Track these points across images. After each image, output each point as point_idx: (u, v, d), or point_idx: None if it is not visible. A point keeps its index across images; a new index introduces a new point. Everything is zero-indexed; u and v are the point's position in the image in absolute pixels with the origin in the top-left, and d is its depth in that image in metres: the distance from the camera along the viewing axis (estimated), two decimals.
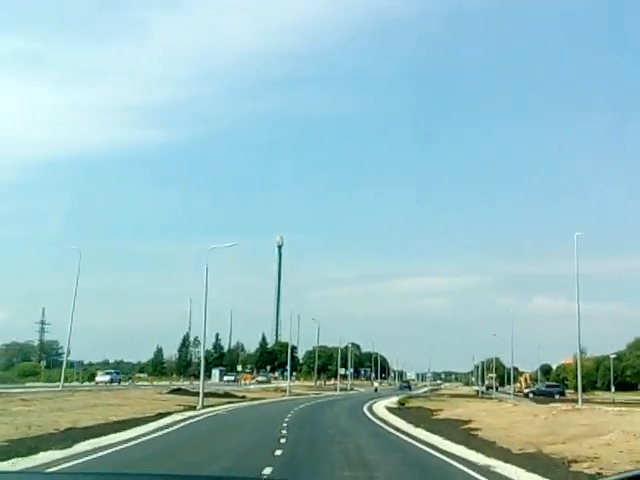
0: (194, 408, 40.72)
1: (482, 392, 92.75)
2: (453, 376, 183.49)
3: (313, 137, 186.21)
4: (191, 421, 30.44)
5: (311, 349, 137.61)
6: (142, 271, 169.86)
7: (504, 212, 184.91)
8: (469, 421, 32.18)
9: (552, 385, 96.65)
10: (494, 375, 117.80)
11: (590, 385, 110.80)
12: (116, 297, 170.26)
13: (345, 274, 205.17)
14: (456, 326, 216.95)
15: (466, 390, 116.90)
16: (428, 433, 26.44)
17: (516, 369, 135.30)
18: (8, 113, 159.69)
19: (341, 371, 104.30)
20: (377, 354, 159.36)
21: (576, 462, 17.43)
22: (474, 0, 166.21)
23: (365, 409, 44.65)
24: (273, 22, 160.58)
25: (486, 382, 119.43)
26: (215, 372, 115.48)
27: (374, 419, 34.86)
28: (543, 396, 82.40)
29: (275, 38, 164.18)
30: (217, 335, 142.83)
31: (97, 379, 69.69)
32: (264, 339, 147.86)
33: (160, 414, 33.28)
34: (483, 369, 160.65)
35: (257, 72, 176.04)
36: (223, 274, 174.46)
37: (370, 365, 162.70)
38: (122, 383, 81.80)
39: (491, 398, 78.13)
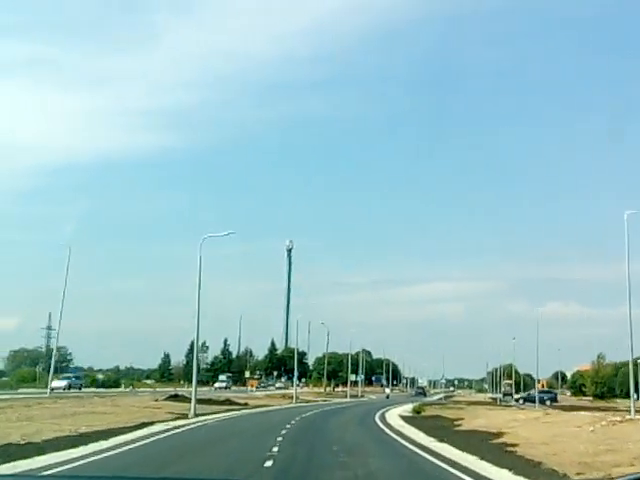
0: (186, 416, 35.91)
1: (500, 399, 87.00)
2: (466, 383, 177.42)
3: (323, 139, 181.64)
4: (171, 433, 25.21)
5: (321, 355, 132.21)
6: (153, 275, 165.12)
7: (517, 217, 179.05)
8: (500, 434, 26.75)
9: (544, 391, 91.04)
10: (511, 382, 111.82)
11: (610, 392, 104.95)
12: (127, 302, 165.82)
13: (356, 280, 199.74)
14: (468, 332, 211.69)
15: (480, 397, 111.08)
16: (456, 450, 21.09)
17: (529, 376, 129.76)
18: (23, 118, 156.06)
19: (352, 377, 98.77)
20: (389, 360, 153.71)
21: None
22: (480, 3, 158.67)
23: (377, 418, 39.24)
24: (284, 26, 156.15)
25: (502, 389, 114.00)
26: (222, 378, 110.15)
27: (388, 431, 29.43)
28: (534, 402, 76.70)
29: (286, 42, 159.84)
30: (225, 341, 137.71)
31: (52, 385, 59.28)
32: (273, 345, 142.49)
33: (143, 423, 28.69)
34: (499, 375, 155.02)
35: (268, 76, 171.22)
36: (232, 280, 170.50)
37: (381, 372, 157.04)
38: (93, 389, 73.85)
39: (509, 406, 72.47)
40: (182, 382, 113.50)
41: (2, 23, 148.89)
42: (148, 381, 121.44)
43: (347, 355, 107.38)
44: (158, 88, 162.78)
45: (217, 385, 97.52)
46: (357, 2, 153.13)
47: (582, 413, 41.59)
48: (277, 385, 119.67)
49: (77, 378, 73.10)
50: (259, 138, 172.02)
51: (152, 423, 29.03)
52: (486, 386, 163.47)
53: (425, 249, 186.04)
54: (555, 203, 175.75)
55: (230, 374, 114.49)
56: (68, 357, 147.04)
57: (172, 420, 33.25)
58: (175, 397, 53.73)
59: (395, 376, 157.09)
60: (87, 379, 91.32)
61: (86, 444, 20.07)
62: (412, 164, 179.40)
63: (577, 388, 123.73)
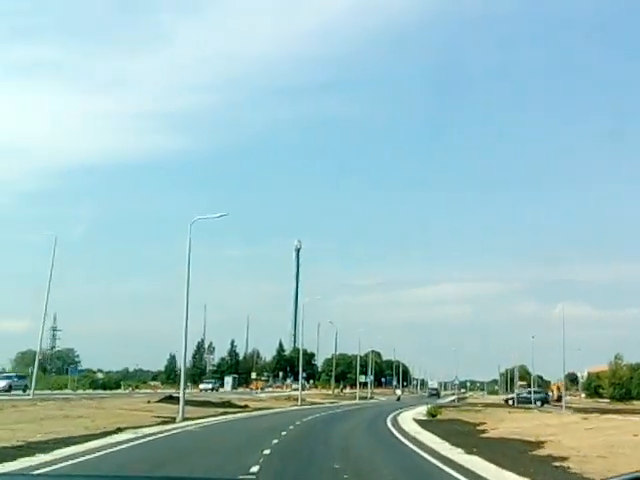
0: (173, 420, 31.17)
1: (516, 401, 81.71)
2: (477, 385, 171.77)
3: (331, 141, 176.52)
4: (134, 444, 20.21)
5: (330, 357, 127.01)
6: (163, 277, 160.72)
7: (526, 218, 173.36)
8: (540, 443, 21.60)
9: (535, 391, 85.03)
10: (525, 383, 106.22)
11: (627, 394, 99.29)
12: (135, 303, 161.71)
13: (364, 281, 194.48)
14: (477, 334, 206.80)
15: (494, 399, 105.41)
16: (492, 465, 16.03)
17: (540, 377, 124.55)
18: (32, 120, 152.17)
19: (361, 379, 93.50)
20: (398, 362, 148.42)
21: None
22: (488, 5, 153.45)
23: (389, 422, 34.10)
24: (295, 28, 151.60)
25: (516, 390, 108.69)
26: (228, 380, 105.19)
27: (403, 439, 24.26)
28: (525, 404, 71.62)
29: (297, 43, 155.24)
30: (232, 342, 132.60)
31: None
32: (281, 346, 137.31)
33: (107, 432, 23.60)
34: (511, 377, 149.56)
35: (279, 78, 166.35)
36: (240, 281, 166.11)
37: (391, 373, 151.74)
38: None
39: (529, 408, 67.09)
40: (189, 383, 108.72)
41: (13, 26, 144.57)
42: (154, 383, 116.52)
43: (356, 356, 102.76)
44: (167, 90, 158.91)
45: (202, 387, 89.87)
46: (366, 4, 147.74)
47: (618, 417, 36.41)
48: (294, 387, 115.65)
49: (20, 378, 65.33)
50: (267, 140, 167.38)
51: (121, 430, 24.21)
52: (497, 387, 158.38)
53: (433, 250, 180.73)
54: (565, 204, 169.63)
55: (236, 375, 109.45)
56: (76, 359, 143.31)
57: (154, 425, 28.54)
58: (170, 399, 48.69)
59: (405, 378, 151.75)
60: (86, 380, 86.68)
61: (15, 459, 15.29)
62: (421, 165, 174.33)
63: (592, 390, 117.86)
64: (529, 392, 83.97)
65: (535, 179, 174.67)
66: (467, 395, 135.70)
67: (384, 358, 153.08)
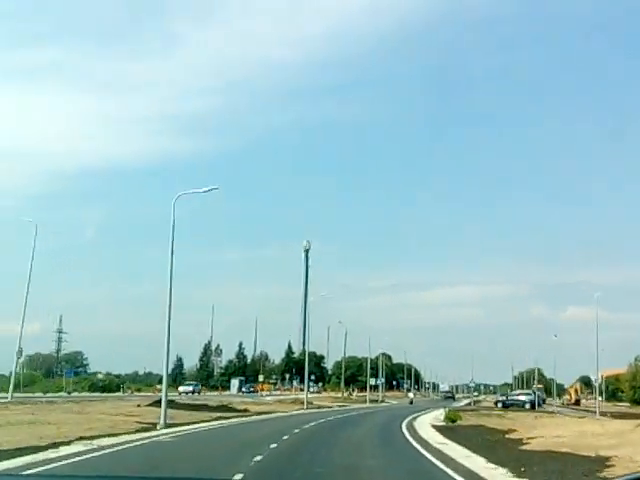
0: (154, 427, 26.26)
1: (537, 404, 76.29)
2: (491, 388, 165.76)
3: (342, 143, 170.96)
4: (80, 459, 15.13)
5: (340, 359, 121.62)
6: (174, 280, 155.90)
7: (538, 220, 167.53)
8: (603, 459, 16.34)
9: (526, 393, 77.49)
10: (541, 386, 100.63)
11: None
12: (146, 306, 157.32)
13: (374, 284, 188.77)
14: (488, 337, 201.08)
15: None
16: None
17: (552, 380, 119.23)
18: (42, 124, 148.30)
19: (371, 381, 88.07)
20: (410, 365, 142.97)
21: None
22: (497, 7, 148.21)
23: (405, 429, 28.88)
24: (302, 30, 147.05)
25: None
26: (234, 382, 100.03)
27: (424, 451, 19.02)
28: (514, 406, 65.18)
29: (304, 46, 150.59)
30: (240, 344, 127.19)
31: None
32: (290, 348, 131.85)
33: (81, 438, 19.97)
34: (525, 380, 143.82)
35: (286, 81, 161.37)
36: (249, 283, 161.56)
37: (402, 376, 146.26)
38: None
39: (550, 412, 61.62)
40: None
41: (22, 30, 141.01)
42: (159, 386, 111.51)
43: (366, 359, 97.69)
44: (172, 93, 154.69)
45: (182, 389, 79.00)
46: (375, 6, 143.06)
47: None
48: (302, 389, 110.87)
49: None
50: (277, 142, 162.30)
51: (82, 439, 19.41)
52: (509, 391, 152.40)
53: (444, 253, 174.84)
54: (578, 207, 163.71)
55: (242, 378, 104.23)
56: (84, 362, 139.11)
57: (127, 433, 23.63)
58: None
59: (416, 381, 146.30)
60: (85, 382, 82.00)
61: None
62: (427, 166, 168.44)
63: (610, 393, 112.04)
64: (519, 394, 77.20)
65: (546, 180, 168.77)
66: (480, 398, 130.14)
67: (394, 361, 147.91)
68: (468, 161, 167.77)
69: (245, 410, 41.97)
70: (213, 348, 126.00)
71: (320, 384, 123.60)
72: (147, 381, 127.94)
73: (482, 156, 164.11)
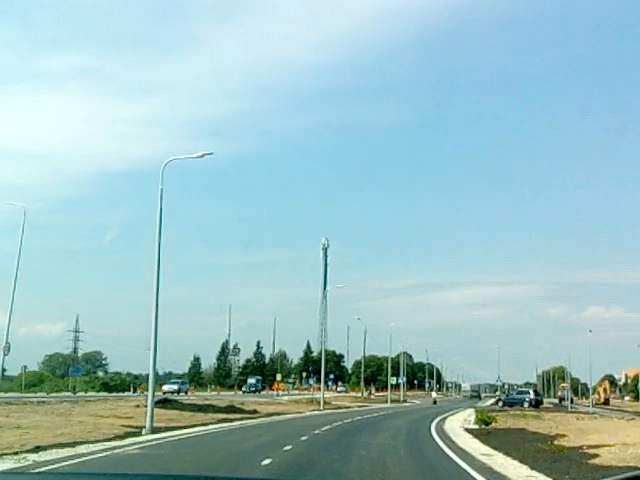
0: (140, 432, 21.79)
1: (565, 404, 70.58)
2: (515, 387, 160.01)
3: (362, 146, 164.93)
4: None
5: (359, 359, 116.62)
6: (190, 282, 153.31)
7: (556, 220, 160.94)
8: None
9: (524, 392, 70.19)
10: (568, 385, 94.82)
11: None
12: (166, 307, 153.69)
13: (394, 284, 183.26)
14: (509, 336, 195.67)
15: None
16: None
17: (577, 379, 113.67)
18: (66, 128, 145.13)
19: (392, 380, 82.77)
20: (432, 364, 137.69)
21: None
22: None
23: (435, 434, 23.89)
24: (325, 33, 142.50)
25: (558, 393, 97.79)
26: (251, 382, 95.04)
27: (468, 467, 14.00)
28: (514, 405, 58.87)
29: (328, 49, 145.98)
30: (258, 343, 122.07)
31: None
32: (309, 347, 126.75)
33: (37, 447, 16.61)
34: (549, 379, 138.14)
35: (309, 84, 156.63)
36: (269, 284, 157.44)
37: (423, 375, 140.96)
38: None
39: (585, 412, 56.16)
40: (213, 386, 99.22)
41: (49, 36, 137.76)
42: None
43: (387, 358, 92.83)
44: (200, 97, 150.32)
45: (166, 388, 67.34)
46: (394, 9, 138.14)
47: None
48: (339, 389, 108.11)
49: None
50: (297, 146, 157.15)
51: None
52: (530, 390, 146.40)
53: (463, 253, 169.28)
54: (596, 207, 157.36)
55: (260, 377, 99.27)
56: (103, 362, 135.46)
57: (106, 440, 19.31)
58: (164, 403, 39.09)
59: (437, 380, 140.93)
60: (96, 382, 77.72)
61: None
62: (447, 168, 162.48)
63: (637, 392, 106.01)
64: (519, 392, 70.55)
65: (565, 181, 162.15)
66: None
67: (415, 360, 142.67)
68: (488, 162, 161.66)
69: (254, 411, 37.15)
70: (231, 347, 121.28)
71: (339, 383, 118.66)
72: (165, 381, 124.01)
73: (501, 157, 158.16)
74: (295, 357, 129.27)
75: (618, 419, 39.34)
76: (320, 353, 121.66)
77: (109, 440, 20.04)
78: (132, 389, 73.18)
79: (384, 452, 16.48)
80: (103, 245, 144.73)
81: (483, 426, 30.73)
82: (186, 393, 67.53)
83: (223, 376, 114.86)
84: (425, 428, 26.84)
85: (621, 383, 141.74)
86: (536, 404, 60.39)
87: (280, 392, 69.32)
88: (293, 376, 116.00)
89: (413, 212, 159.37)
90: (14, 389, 69.20)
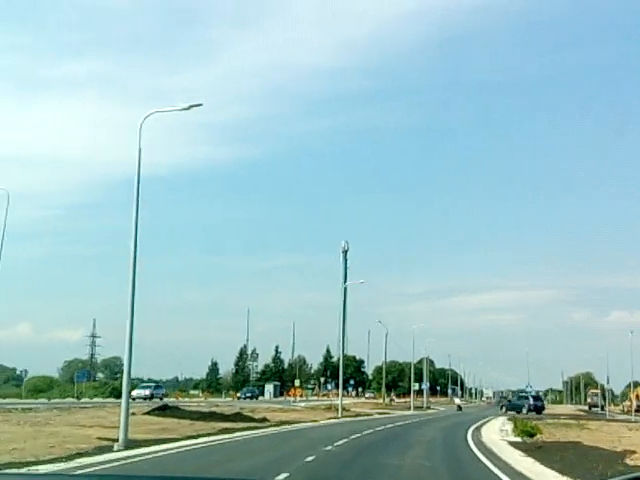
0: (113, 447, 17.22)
1: (598, 411, 65.22)
2: (541, 393, 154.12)
3: (377, 150, 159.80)
4: None
5: (380, 364, 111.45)
6: (209, 287, 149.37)
7: (578, 225, 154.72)
8: None
9: (524, 396, 65.37)
10: (598, 391, 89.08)
11: None
12: (184, 313, 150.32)
13: (414, 290, 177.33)
14: (531, 342, 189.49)
15: (564, 409, 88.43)
16: None
17: (603, 386, 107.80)
18: (82, 133, 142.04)
19: (415, 386, 77.60)
20: (454, 371, 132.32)
21: None
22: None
23: (476, 449, 18.93)
24: (342, 37, 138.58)
25: (588, 399, 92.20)
26: (268, 387, 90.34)
27: None
28: (514, 410, 55.51)
29: (339, 53, 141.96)
30: (277, 348, 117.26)
31: None
32: (328, 352, 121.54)
33: None
34: (576, 385, 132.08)
35: (326, 88, 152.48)
36: (288, 289, 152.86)
37: (444, 382, 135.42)
38: None
39: (622, 420, 50.74)
40: (231, 392, 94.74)
41: (60, 40, 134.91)
42: (194, 391, 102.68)
43: (408, 364, 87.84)
44: (212, 102, 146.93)
45: (136, 393, 54.89)
46: (410, 12, 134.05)
47: None
48: (367, 394, 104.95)
49: None
50: (312, 149, 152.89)
51: None
52: (556, 396, 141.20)
53: (483, 258, 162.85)
54: (621, 210, 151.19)
55: (278, 383, 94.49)
56: (122, 367, 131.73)
57: (67, 459, 15.22)
58: (163, 410, 34.49)
59: (461, 386, 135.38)
60: (105, 388, 73.35)
61: None
62: (465, 173, 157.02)
63: None
64: (519, 398, 66.19)
65: (591, 187, 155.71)
66: None
67: (437, 366, 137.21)
68: (502, 167, 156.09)
69: (263, 419, 32.30)
70: (249, 352, 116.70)
71: (360, 389, 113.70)
72: (185, 386, 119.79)
73: (520, 161, 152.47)
74: (315, 362, 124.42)
75: None
76: (339, 358, 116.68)
77: (67, 459, 15.47)
78: None
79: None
80: (122, 250, 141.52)
81: (526, 438, 25.75)
82: (161, 399, 56.68)
83: (241, 382, 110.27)
84: (462, 441, 21.88)
85: None
86: (536, 409, 56.88)
87: (297, 398, 64.32)
88: (312, 382, 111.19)
89: (430, 216, 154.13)
90: (11, 395, 64.96)
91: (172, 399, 68.43)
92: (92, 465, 14.46)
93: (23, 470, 11.29)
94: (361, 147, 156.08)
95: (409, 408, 66.38)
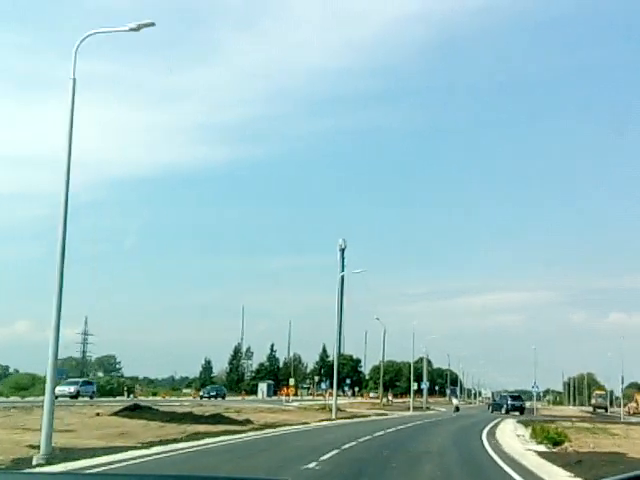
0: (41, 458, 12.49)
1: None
2: (541, 394, 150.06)
3: (382, 152, 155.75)
4: None
5: (378, 364, 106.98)
6: (207, 286, 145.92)
7: (577, 224, 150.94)
8: None
9: (514, 397, 64.31)
10: (603, 392, 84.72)
11: None
12: (182, 313, 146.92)
13: (413, 290, 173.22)
14: (530, 343, 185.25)
15: (568, 410, 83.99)
16: None
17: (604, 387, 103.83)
18: (87, 133, 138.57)
19: (414, 386, 73.10)
20: (453, 371, 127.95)
21: None
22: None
23: (502, 464, 14.43)
24: (345, 38, 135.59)
25: (592, 400, 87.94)
26: (262, 386, 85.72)
27: None
28: (498, 410, 56.84)
29: (342, 55, 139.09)
30: (272, 346, 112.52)
31: None
32: (325, 351, 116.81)
33: None
34: (576, 385, 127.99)
35: (328, 89, 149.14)
36: (284, 288, 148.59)
37: (442, 382, 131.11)
38: None
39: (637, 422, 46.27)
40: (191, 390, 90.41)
41: (65, 40, 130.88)
42: (187, 390, 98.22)
43: (405, 364, 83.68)
44: (216, 103, 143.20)
45: (59, 390, 41.96)
46: (415, 14, 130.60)
47: None
48: (372, 395, 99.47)
49: None
50: (315, 150, 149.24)
51: None
52: (556, 398, 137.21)
53: (483, 258, 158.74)
54: (621, 210, 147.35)
55: (272, 382, 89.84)
56: (117, 365, 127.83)
57: None
58: (133, 410, 29.96)
59: (460, 386, 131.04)
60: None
61: None
62: (467, 176, 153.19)
63: None
64: (501, 397, 65.65)
65: (591, 187, 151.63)
66: (527, 405, 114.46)
67: (434, 366, 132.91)
68: (503, 167, 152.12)
69: (246, 422, 27.80)
70: (244, 351, 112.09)
71: (356, 389, 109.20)
72: (180, 385, 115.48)
73: (521, 162, 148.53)
74: (311, 362, 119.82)
75: None
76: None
77: None
78: (126, 393, 64.61)
79: None
80: (121, 249, 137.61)
81: (550, 446, 21.36)
82: (91, 398, 50.29)
83: (235, 381, 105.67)
84: (480, 451, 17.38)
85: None
86: (514, 409, 56.57)
87: (290, 397, 59.74)
88: (308, 381, 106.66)
89: (430, 216, 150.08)
90: (3, 393, 60.92)
91: (159, 398, 64.51)
92: None
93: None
94: (364, 147, 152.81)
95: (408, 409, 61.88)
